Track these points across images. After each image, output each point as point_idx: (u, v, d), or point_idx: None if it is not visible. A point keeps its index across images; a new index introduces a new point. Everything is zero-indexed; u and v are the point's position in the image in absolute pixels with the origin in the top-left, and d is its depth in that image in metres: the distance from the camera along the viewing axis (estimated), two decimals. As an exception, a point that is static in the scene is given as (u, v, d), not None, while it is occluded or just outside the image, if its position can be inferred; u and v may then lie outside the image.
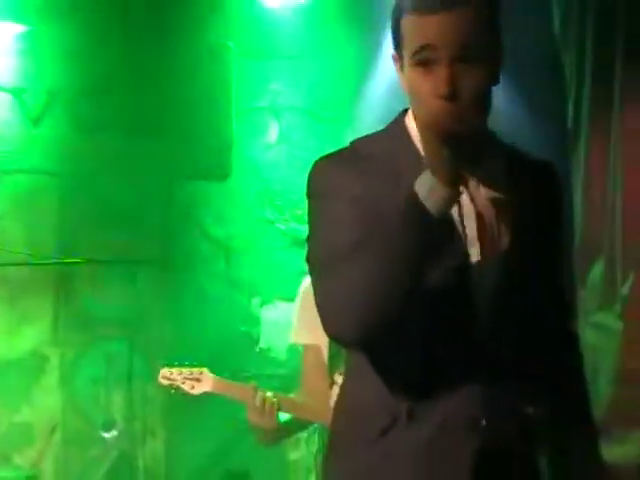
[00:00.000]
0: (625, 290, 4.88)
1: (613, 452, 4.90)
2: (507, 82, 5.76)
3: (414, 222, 2.32)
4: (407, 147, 2.52)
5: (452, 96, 2.34)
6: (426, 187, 2.31)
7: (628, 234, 4.87)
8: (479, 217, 2.53)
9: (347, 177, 2.48)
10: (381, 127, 2.79)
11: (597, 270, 5.04)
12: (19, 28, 5.70)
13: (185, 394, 4.44)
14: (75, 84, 5.81)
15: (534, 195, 2.63)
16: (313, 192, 2.55)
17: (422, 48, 2.37)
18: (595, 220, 5.05)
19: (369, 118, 5.89)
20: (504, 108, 5.80)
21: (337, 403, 2.67)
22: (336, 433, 2.65)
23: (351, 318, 2.40)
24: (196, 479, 5.90)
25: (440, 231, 2.35)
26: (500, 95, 5.71)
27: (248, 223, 6.24)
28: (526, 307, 2.60)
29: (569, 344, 2.80)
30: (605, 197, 4.98)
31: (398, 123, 2.58)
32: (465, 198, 2.50)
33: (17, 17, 5.67)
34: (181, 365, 4.42)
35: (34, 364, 5.73)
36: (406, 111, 2.57)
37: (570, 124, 5.14)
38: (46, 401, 5.71)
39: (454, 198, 2.33)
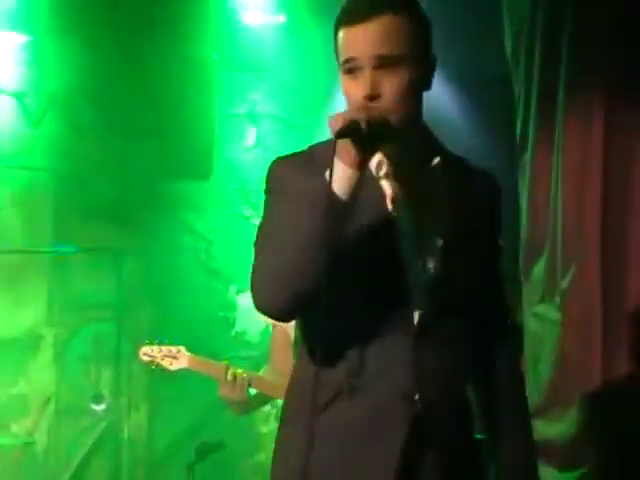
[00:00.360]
0: (564, 284, 4.85)
1: (552, 429, 4.91)
2: (465, 99, 5.80)
3: (322, 202, 2.36)
4: None
5: (373, 97, 2.42)
6: (333, 171, 2.36)
7: (567, 235, 4.86)
8: (411, 203, 2.56)
9: (295, 176, 2.52)
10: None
11: (540, 266, 5.03)
12: (22, 38, 5.69)
13: (164, 370, 4.45)
14: (71, 89, 5.80)
15: (471, 194, 2.68)
16: (266, 187, 2.60)
17: (348, 59, 2.47)
18: (538, 222, 5.04)
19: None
20: (461, 123, 5.86)
21: (290, 379, 2.67)
22: (287, 405, 2.66)
23: (268, 292, 2.44)
24: (174, 449, 5.89)
25: (349, 210, 2.38)
26: (457, 111, 5.79)
27: (226, 218, 6.26)
28: (460, 291, 2.62)
29: (503, 328, 2.79)
30: (547, 202, 4.97)
31: None
32: (389, 183, 2.54)
33: (20, 28, 5.67)
34: (160, 343, 4.44)
35: (30, 342, 5.73)
36: None
37: (518, 138, 5.16)
38: (41, 376, 5.71)
39: (355, 179, 2.37)
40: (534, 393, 5.01)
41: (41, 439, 5.65)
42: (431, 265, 2.56)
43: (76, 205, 5.86)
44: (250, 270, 2.48)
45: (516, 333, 2.82)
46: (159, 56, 5.83)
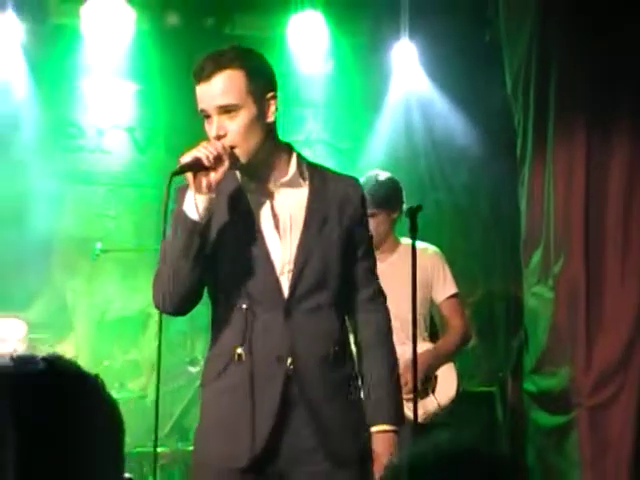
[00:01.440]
0: (556, 269, 4.85)
1: (547, 383, 4.91)
2: (475, 127, 5.80)
3: (181, 226, 2.48)
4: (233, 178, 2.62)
5: (219, 137, 2.49)
6: (187, 199, 2.48)
7: (557, 231, 4.86)
8: (274, 212, 2.59)
9: (182, 195, 2.59)
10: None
11: (537, 256, 5.02)
12: (133, 86, 5.75)
13: None
14: (168, 124, 5.85)
15: (328, 194, 2.63)
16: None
17: (202, 110, 2.53)
18: (535, 221, 5.04)
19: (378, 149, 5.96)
20: (473, 145, 5.85)
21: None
22: (203, 374, 2.70)
23: (157, 297, 2.58)
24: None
25: (205, 226, 2.46)
26: (470, 135, 5.79)
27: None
28: (327, 269, 2.57)
29: (371, 303, 2.71)
30: (542, 205, 4.97)
31: None
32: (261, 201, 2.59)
33: (131, 77, 5.73)
34: None
35: (141, 320, 5.73)
36: None
37: (518, 155, 5.16)
38: (149, 345, 5.73)
39: (205, 199, 2.45)
40: (533, 355, 5.02)
41: (150, 394, 5.65)
42: (292, 257, 2.56)
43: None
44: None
45: (381, 297, 2.73)
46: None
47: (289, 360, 2.52)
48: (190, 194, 2.47)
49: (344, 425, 2.60)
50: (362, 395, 2.67)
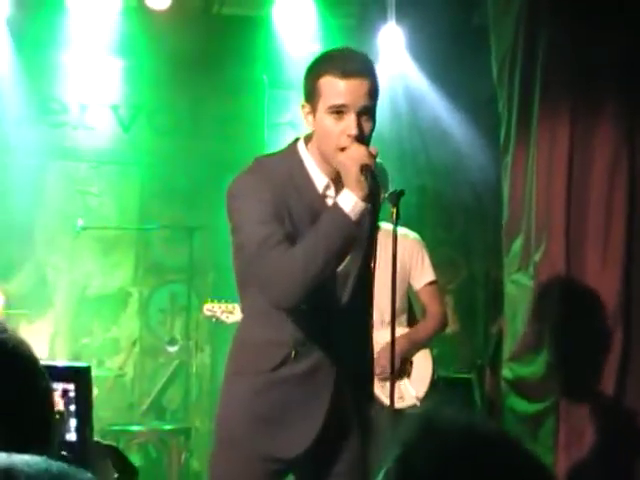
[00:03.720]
0: (536, 257, 4.85)
1: (524, 370, 4.92)
2: (461, 112, 5.80)
3: (340, 226, 2.41)
4: (300, 169, 2.58)
5: (359, 137, 2.47)
6: (350, 203, 2.41)
7: (538, 218, 4.86)
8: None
9: (256, 184, 2.54)
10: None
11: (517, 243, 5.01)
12: (119, 62, 5.72)
13: (222, 323, 4.46)
14: (153, 103, 5.85)
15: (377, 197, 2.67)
16: (231, 194, 2.59)
17: (341, 104, 2.47)
18: (516, 208, 5.02)
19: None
20: (458, 130, 5.85)
21: (238, 337, 2.68)
22: (235, 359, 2.67)
23: (290, 290, 2.45)
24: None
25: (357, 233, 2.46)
26: (455, 120, 5.79)
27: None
28: (361, 296, 2.70)
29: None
30: (523, 193, 4.96)
31: (292, 149, 2.63)
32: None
33: (117, 54, 5.70)
34: (219, 301, 4.44)
35: (121, 298, 5.76)
36: (297, 140, 2.63)
37: (502, 144, 5.16)
38: (129, 324, 5.76)
39: (367, 210, 2.45)
40: (511, 342, 5.02)
41: (129, 372, 5.68)
42: (349, 281, 2.64)
43: (157, 192, 5.89)
44: (251, 274, 2.52)
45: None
46: (220, 77, 5.85)
47: (337, 356, 2.61)
48: (354, 199, 2.43)
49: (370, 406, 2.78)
50: None
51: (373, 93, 2.52)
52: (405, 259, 4.12)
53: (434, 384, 4.17)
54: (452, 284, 5.62)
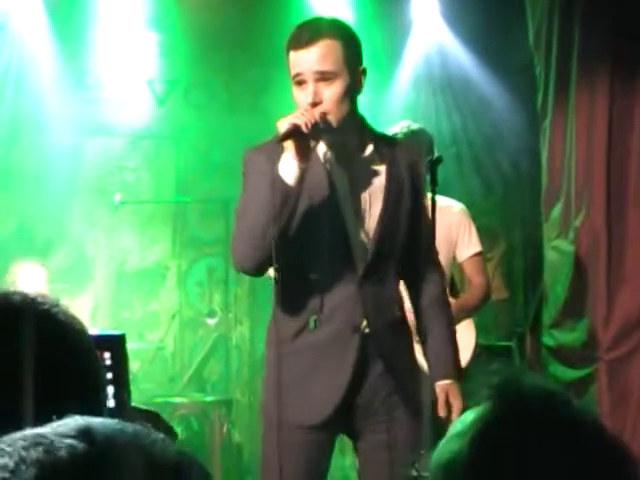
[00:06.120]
0: (577, 223, 4.84)
1: (565, 337, 4.93)
2: (497, 79, 5.76)
3: (276, 188, 2.49)
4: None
5: (315, 104, 2.54)
6: (282, 164, 2.51)
7: (578, 183, 4.85)
8: (352, 183, 2.67)
9: (259, 159, 2.63)
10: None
11: (557, 208, 5.01)
12: (154, 36, 5.70)
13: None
14: (189, 77, 5.83)
15: (398, 166, 2.73)
16: (242, 171, 2.71)
17: (297, 74, 2.58)
18: (556, 174, 5.02)
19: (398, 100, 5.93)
20: (494, 98, 5.81)
21: (272, 313, 2.75)
22: (267, 333, 2.74)
23: (243, 256, 2.59)
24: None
25: (296, 191, 2.51)
26: (491, 87, 5.74)
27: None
28: (392, 247, 2.68)
29: (431, 269, 2.82)
30: (563, 159, 4.95)
31: None
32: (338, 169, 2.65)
33: (152, 28, 5.68)
34: None
35: (159, 272, 5.77)
36: None
37: (540, 108, 5.13)
38: (168, 297, 5.76)
39: (302, 170, 2.50)
40: (552, 309, 5.02)
41: (169, 345, 5.71)
42: (369, 232, 2.65)
43: (193, 166, 5.88)
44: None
45: (439, 269, 2.88)
46: (255, 50, 5.83)
47: (364, 324, 2.62)
48: (288, 160, 2.52)
49: (413, 377, 2.75)
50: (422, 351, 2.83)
51: (329, 56, 2.56)
52: (452, 232, 4.08)
53: (477, 353, 4.16)
54: (491, 252, 5.60)
